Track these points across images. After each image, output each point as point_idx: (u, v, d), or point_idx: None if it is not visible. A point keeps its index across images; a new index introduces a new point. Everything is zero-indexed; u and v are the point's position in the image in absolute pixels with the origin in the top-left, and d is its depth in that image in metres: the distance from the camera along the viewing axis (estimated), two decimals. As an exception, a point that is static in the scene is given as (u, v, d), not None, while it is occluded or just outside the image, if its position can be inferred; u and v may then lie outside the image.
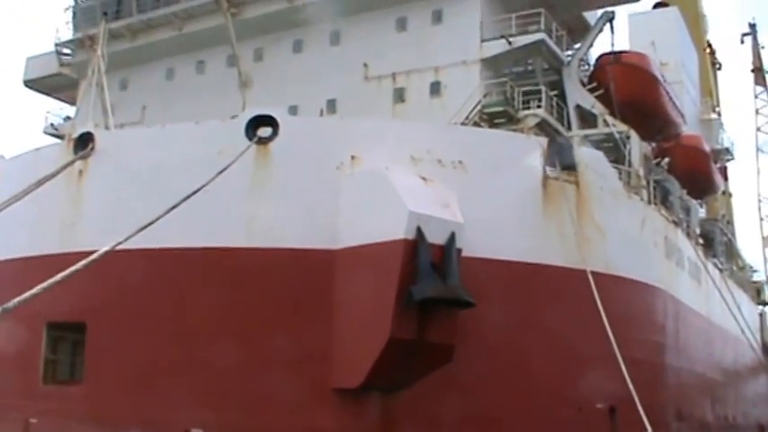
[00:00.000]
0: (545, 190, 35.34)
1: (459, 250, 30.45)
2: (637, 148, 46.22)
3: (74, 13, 61.92)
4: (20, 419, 36.26)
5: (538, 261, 34.50)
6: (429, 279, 29.35)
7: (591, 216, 36.47)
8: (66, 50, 62.64)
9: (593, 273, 33.65)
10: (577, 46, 52.31)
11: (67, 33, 62.36)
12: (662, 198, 49.32)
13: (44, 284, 17.49)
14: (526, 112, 44.28)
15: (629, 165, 44.32)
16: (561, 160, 36.08)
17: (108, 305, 34.48)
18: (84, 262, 19.44)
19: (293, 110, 46.35)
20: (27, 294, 16.43)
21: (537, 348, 33.74)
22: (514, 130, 41.46)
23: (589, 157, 37.93)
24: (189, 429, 32.28)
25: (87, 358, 35.23)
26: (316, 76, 49.97)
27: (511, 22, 46.70)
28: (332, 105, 49.15)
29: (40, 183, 29.76)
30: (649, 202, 44.65)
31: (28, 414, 36.14)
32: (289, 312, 32.18)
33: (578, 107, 47.88)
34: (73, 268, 18.64)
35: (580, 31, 53.60)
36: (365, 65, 48.92)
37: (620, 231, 38.18)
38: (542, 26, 46.27)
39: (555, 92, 47.28)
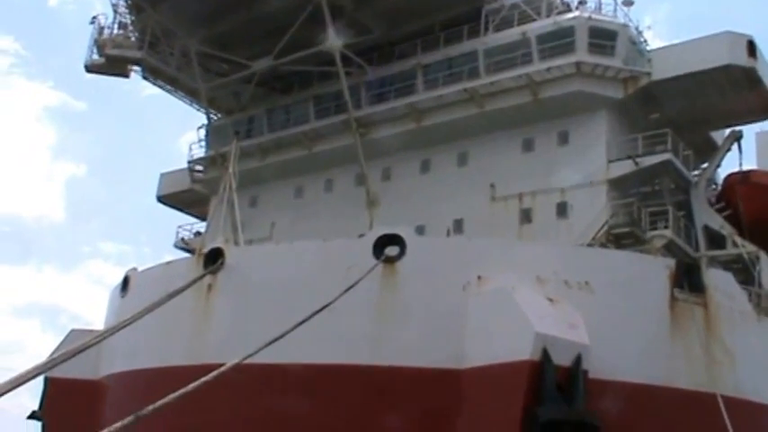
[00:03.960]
0: (672, 312, 34.92)
1: (586, 372, 30.24)
2: (767, 268, 45.39)
3: (206, 132, 63.90)
4: None
5: (665, 384, 33.91)
6: (554, 401, 29.20)
7: (720, 338, 35.83)
8: (198, 168, 64.28)
9: (723, 396, 33.02)
10: (705, 165, 51.95)
11: (200, 151, 64.28)
12: (794, 319, 48.18)
13: (173, 395, 17.74)
14: (653, 232, 43.86)
15: (759, 286, 43.47)
16: (689, 282, 35.70)
17: (233, 418, 34.93)
18: (211, 375, 19.81)
19: (420, 229, 46.74)
20: (159, 403, 16.76)
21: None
22: (641, 251, 41.12)
23: (718, 279, 37.42)
24: None
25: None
26: (443, 196, 50.28)
27: (637, 143, 46.57)
28: (459, 225, 49.20)
29: (170, 296, 30.44)
30: (781, 324, 43.63)
31: None
32: (414, 430, 32.22)
33: (706, 227, 47.39)
34: (201, 381, 18.98)
35: (707, 151, 53.17)
36: (492, 185, 49.11)
37: (750, 354, 37.24)
38: (669, 146, 46.00)
39: (682, 212, 46.91)
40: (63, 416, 42.36)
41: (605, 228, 43.55)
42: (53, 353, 38.84)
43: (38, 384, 44.19)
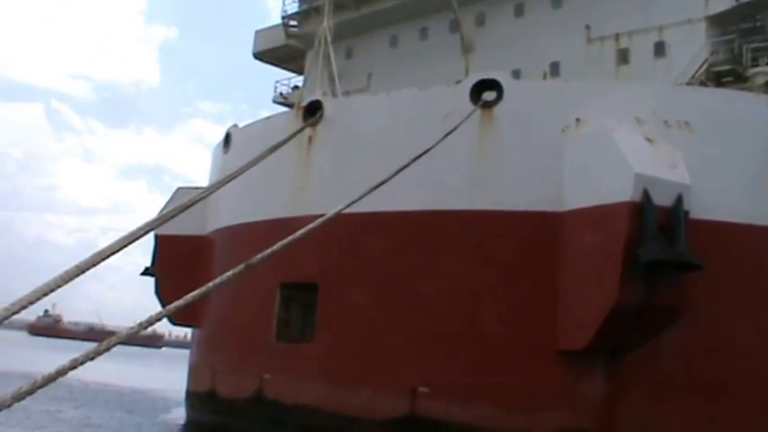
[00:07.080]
0: (774, 150, 34.35)
1: (687, 212, 30.09)
2: None
3: (300, -14, 63.44)
4: (255, 374, 38.03)
5: (767, 223, 33.63)
6: (656, 242, 29.13)
7: (823, 176, 35.20)
8: (292, 22, 64.07)
9: (828, 234, 32.66)
10: (809, -1, 50.36)
11: (294, 6, 64.07)
12: None
13: (281, 243, 17.93)
14: (755, 69, 42.78)
15: None
16: (791, 119, 34.98)
17: (338, 267, 35.73)
18: (316, 223, 20.01)
19: (516, 74, 46.17)
20: (268, 251, 17.00)
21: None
22: (742, 89, 40.28)
23: (821, 116, 36.56)
24: (416, 388, 33.12)
25: (318, 318, 36.55)
26: (538, 40, 49.62)
27: (738, -23, 45.15)
28: (555, 68, 48.70)
29: (272, 149, 30.73)
30: None
31: (262, 369, 37.85)
32: (515, 274, 32.58)
33: (810, 64, 46.09)
34: (306, 229, 19.18)
35: (812, -16, 51.55)
36: (587, 27, 48.25)
37: None
38: (771, -21, 44.65)
39: (785, 48, 45.72)
40: (174, 270, 43.68)
41: (705, 66, 42.68)
42: (161, 210, 39.78)
43: (148, 242, 45.62)
